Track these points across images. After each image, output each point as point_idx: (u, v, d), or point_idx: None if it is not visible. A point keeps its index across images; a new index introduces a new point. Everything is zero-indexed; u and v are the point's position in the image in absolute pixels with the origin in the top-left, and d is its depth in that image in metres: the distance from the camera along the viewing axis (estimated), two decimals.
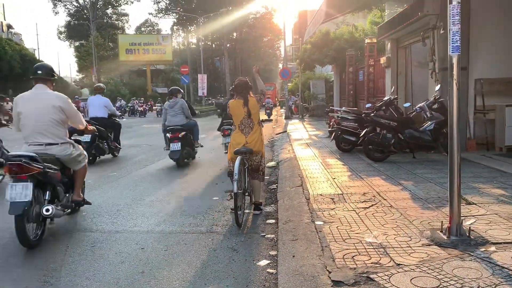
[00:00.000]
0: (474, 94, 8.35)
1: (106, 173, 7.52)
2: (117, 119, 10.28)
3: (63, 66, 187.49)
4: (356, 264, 3.13)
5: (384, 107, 8.25)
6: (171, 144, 8.30)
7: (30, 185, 3.85)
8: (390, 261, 3.14)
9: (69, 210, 4.70)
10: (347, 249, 3.44)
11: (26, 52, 40.96)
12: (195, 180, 7.22)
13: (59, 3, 53.02)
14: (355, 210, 4.54)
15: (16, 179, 3.85)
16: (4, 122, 7.71)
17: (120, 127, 10.14)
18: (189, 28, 54.60)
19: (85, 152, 4.93)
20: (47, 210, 4.01)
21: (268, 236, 4.29)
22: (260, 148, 5.03)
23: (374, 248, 3.42)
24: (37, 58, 46.58)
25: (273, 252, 3.82)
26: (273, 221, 4.78)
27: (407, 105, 8.86)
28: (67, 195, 4.64)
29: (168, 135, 8.40)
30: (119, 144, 10.04)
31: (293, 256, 3.48)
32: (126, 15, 63.71)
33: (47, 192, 4.22)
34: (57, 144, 4.39)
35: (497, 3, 8.22)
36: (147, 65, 49.18)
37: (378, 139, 7.65)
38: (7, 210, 3.80)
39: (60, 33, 58.10)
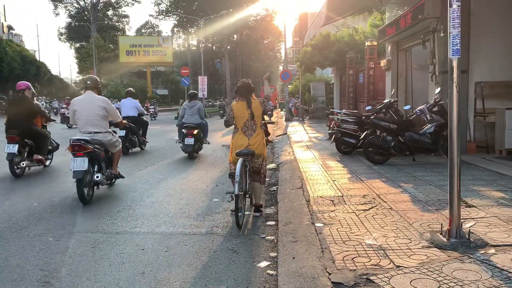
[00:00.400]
0: (474, 97, 8.37)
1: None
2: (145, 118, 11.75)
3: (64, 67, 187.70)
4: (356, 266, 3.14)
5: (384, 110, 8.28)
6: (185, 139, 9.58)
7: (86, 159, 5.51)
8: (390, 263, 3.15)
9: (109, 182, 6.41)
10: (347, 251, 3.45)
11: (26, 53, 41.01)
12: (196, 181, 7.22)
13: (60, 4, 53.19)
14: (355, 212, 4.55)
15: (76, 155, 5.50)
16: (52, 118, 9.16)
17: (147, 124, 11.83)
18: (190, 30, 54.66)
19: (120, 140, 6.55)
20: (97, 177, 5.80)
21: (268, 237, 4.30)
22: (262, 151, 5.02)
23: (374, 250, 3.42)
24: (38, 59, 46.69)
25: (273, 254, 3.82)
26: (273, 223, 4.79)
27: (407, 107, 8.88)
28: (108, 170, 6.30)
29: (184, 130, 9.71)
30: (146, 139, 11.63)
31: (293, 257, 3.49)
32: (126, 16, 64.08)
33: (95, 166, 5.92)
34: (101, 132, 6.02)
35: (497, 6, 8.25)
36: (147, 66, 49.13)
37: (378, 141, 7.67)
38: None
39: (61, 34, 58.27)
